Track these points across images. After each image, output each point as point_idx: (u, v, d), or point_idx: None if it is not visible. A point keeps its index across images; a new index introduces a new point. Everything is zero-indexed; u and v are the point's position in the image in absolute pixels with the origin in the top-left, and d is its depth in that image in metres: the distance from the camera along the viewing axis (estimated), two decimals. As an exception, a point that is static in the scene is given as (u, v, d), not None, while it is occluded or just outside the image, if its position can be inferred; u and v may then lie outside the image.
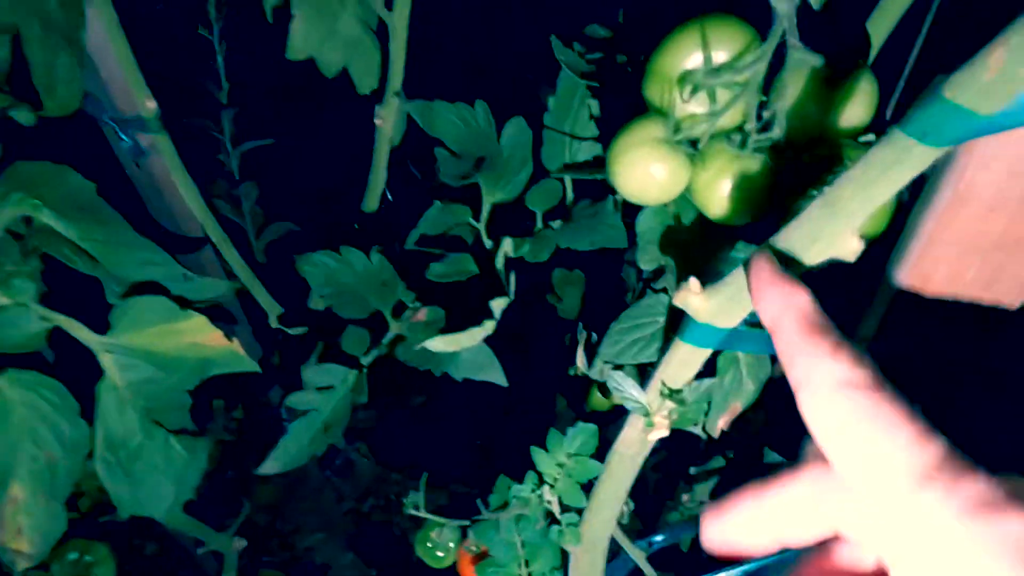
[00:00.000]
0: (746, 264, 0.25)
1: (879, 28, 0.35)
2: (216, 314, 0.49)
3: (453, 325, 0.46)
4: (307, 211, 0.75)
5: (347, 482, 0.89)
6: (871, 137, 0.32)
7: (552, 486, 0.41)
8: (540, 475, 0.42)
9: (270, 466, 0.50)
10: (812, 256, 0.26)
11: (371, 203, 0.63)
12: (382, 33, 0.60)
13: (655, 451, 0.38)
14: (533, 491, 0.42)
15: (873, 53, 0.38)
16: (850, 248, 0.26)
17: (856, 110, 0.33)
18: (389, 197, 0.63)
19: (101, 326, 0.45)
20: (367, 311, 0.53)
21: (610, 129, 0.41)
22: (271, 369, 0.78)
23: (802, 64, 0.32)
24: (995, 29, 0.19)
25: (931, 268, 0.27)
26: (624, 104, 0.42)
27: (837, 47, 0.34)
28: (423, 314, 0.49)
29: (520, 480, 0.43)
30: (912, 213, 0.28)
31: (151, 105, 0.58)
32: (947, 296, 0.28)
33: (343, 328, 0.54)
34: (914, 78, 0.36)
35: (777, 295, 0.22)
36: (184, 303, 0.47)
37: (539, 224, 0.48)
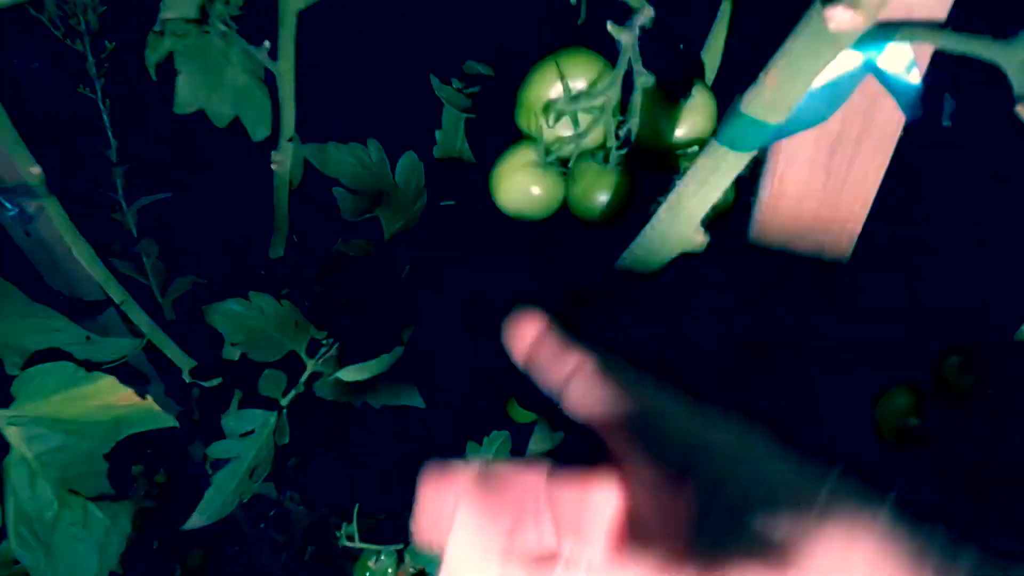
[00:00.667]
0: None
1: (713, 50, 0.40)
2: (126, 373, 0.49)
3: (367, 356, 0.47)
4: (213, 261, 0.75)
5: (283, 533, 0.87)
6: (697, 148, 0.37)
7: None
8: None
9: (196, 520, 0.50)
10: (667, 252, 0.30)
11: (277, 247, 0.64)
12: (271, 81, 0.62)
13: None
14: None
15: (712, 72, 0.43)
16: (696, 242, 0.30)
17: (698, 122, 0.37)
18: (295, 238, 0.64)
19: (3, 399, 0.44)
20: (282, 353, 0.54)
21: (491, 155, 0.44)
22: (190, 424, 0.76)
23: (647, 85, 0.37)
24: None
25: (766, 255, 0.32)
26: (502, 132, 0.45)
27: (678, 69, 0.39)
28: (337, 349, 0.50)
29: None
30: (752, 205, 0.32)
31: (35, 171, 0.57)
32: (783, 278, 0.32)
33: (260, 373, 0.55)
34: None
35: (530, 324, 0.24)
36: (90, 366, 0.47)
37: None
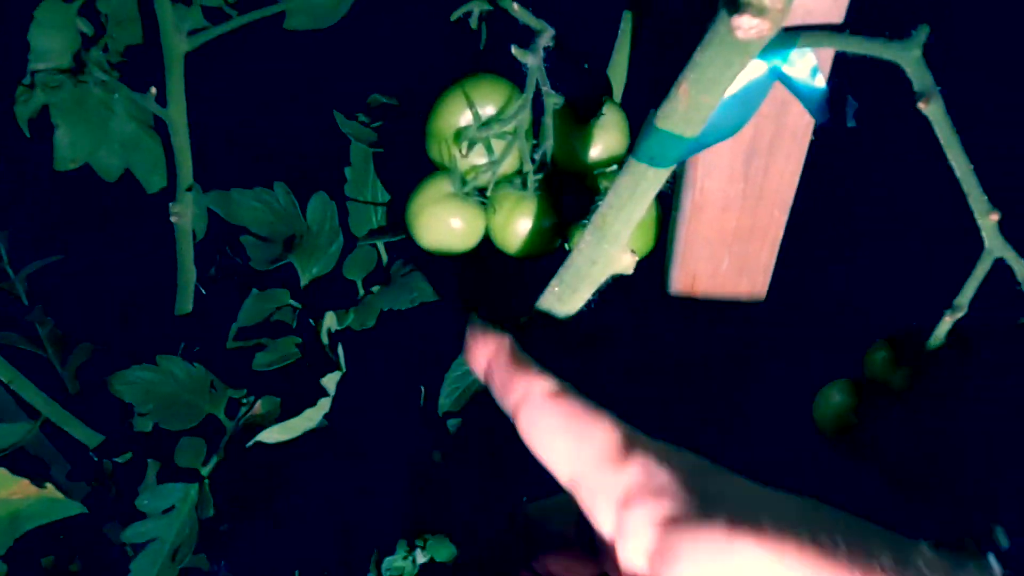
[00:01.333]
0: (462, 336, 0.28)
1: (618, 66, 0.40)
2: (22, 460, 0.44)
3: (292, 410, 0.44)
4: (116, 325, 0.69)
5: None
6: (615, 168, 0.36)
7: (422, 548, 0.41)
8: (409, 539, 0.42)
9: (116, 613, 0.45)
10: (596, 276, 0.29)
11: (183, 304, 0.60)
12: (164, 128, 0.58)
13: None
14: (405, 557, 0.41)
15: (620, 88, 0.43)
16: (624, 263, 0.29)
17: (611, 140, 0.37)
18: (203, 291, 0.60)
19: None
20: (199, 418, 0.50)
21: (406, 189, 0.43)
22: (106, 504, 0.70)
23: (557, 107, 0.36)
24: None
25: (694, 266, 0.31)
26: (414, 165, 0.44)
27: (586, 87, 0.38)
28: (258, 407, 0.47)
29: (392, 550, 0.42)
30: (671, 222, 0.32)
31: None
32: (712, 289, 0.32)
33: (176, 442, 0.51)
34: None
35: (485, 344, 0.25)
36: (-23, 459, 0.42)
37: (360, 292, 0.48)
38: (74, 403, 0.63)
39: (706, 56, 0.21)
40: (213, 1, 0.56)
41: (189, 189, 0.57)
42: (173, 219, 0.59)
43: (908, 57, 0.23)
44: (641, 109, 0.43)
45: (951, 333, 0.27)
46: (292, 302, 0.49)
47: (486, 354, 0.24)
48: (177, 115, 0.55)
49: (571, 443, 0.21)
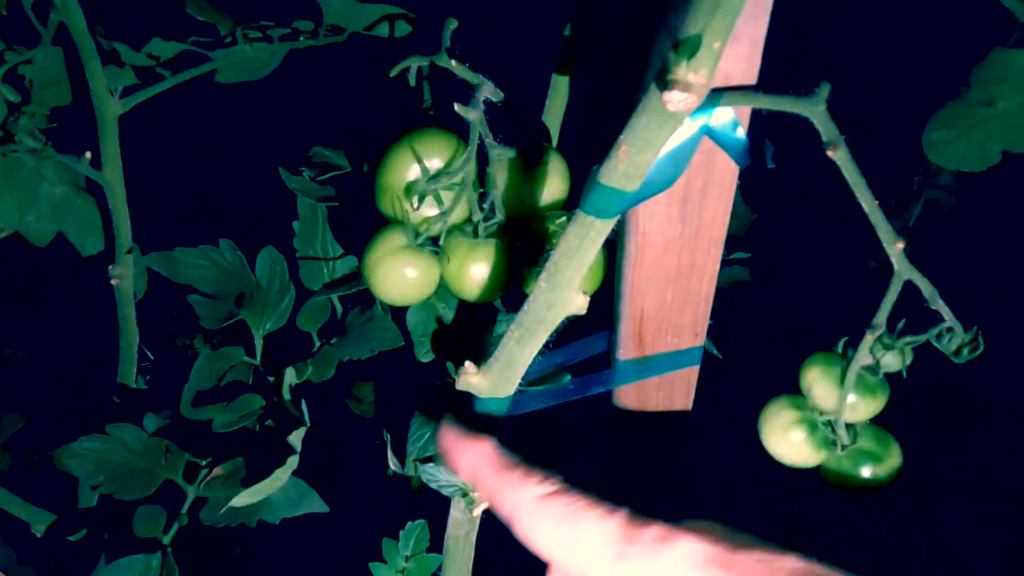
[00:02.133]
0: (438, 432, 0.29)
1: (554, 116, 0.42)
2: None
3: (255, 469, 0.44)
4: (59, 394, 0.66)
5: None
6: (565, 216, 0.38)
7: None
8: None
9: None
10: (552, 319, 0.31)
11: (127, 369, 0.58)
12: (99, 190, 0.57)
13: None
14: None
15: (556, 134, 0.45)
16: (578, 304, 0.31)
17: (554, 186, 0.39)
18: (150, 356, 0.59)
19: None
20: (155, 485, 0.49)
21: (359, 240, 0.43)
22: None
23: (501, 157, 0.38)
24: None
25: (641, 301, 0.34)
26: (364, 215, 0.45)
27: (526, 136, 0.41)
28: (220, 469, 0.46)
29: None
30: (617, 263, 0.34)
31: None
32: (659, 320, 0.34)
33: (132, 511, 0.50)
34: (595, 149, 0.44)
35: (467, 453, 0.26)
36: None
37: (316, 344, 0.48)
38: (10, 482, 0.60)
39: (640, 122, 0.23)
40: (145, 61, 0.56)
41: (129, 251, 0.57)
42: (113, 282, 0.58)
43: (815, 111, 0.26)
44: (578, 152, 0.46)
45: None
46: (247, 359, 0.49)
47: (470, 463, 0.25)
48: (113, 176, 0.55)
49: (567, 543, 0.22)
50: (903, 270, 0.28)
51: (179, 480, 0.48)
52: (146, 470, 0.49)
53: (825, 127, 0.26)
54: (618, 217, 0.27)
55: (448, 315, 0.42)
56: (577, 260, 0.29)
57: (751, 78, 0.26)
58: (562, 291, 0.30)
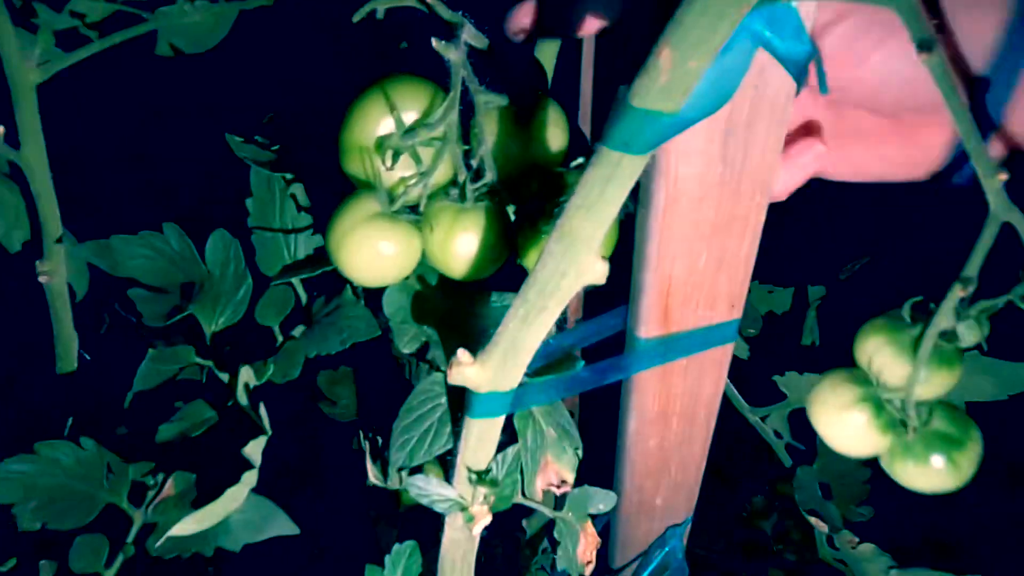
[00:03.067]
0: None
1: (546, 56, 0.36)
2: None
3: (209, 486, 0.38)
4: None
5: None
6: (581, 160, 0.32)
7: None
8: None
9: None
10: (565, 290, 0.25)
11: (64, 368, 0.51)
12: (20, 174, 0.50)
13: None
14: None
15: (548, 80, 0.39)
16: (598, 272, 0.25)
17: (552, 137, 0.33)
18: (87, 357, 0.51)
19: None
20: (96, 509, 0.42)
21: (325, 215, 0.37)
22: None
23: (490, 106, 0.32)
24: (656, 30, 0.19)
25: (670, 266, 0.28)
26: (330, 185, 0.38)
27: (517, 83, 0.34)
28: (170, 487, 0.40)
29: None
30: (638, 221, 0.28)
31: None
32: (689, 289, 0.28)
33: (70, 541, 0.43)
34: (596, 95, 0.38)
35: None
36: None
37: (279, 339, 0.42)
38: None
39: (692, 9, 0.17)
40: (66, 23, 0.49)
41: (59, 241, 0.49)
42: (42, 279, 0.50)
43: (902, 4, 0.20)
44: (574, 99, 0.40)
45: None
46: (198, 359, 0.42)
47: None
48: (34, 156, 0.47)
49: None
50: (1000, 210, 0.23)
51: (123, 503, 0.41)
52: (84, 493, 0.42)
53: (914, 23, 0.20)
54: (651, 153, 0.22)
55: (433, 296, 0.35)
56: (598, 212, 0.23)
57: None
58: (578, 254, 0.24)
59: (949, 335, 0.26)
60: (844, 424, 0.28)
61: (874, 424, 0.28)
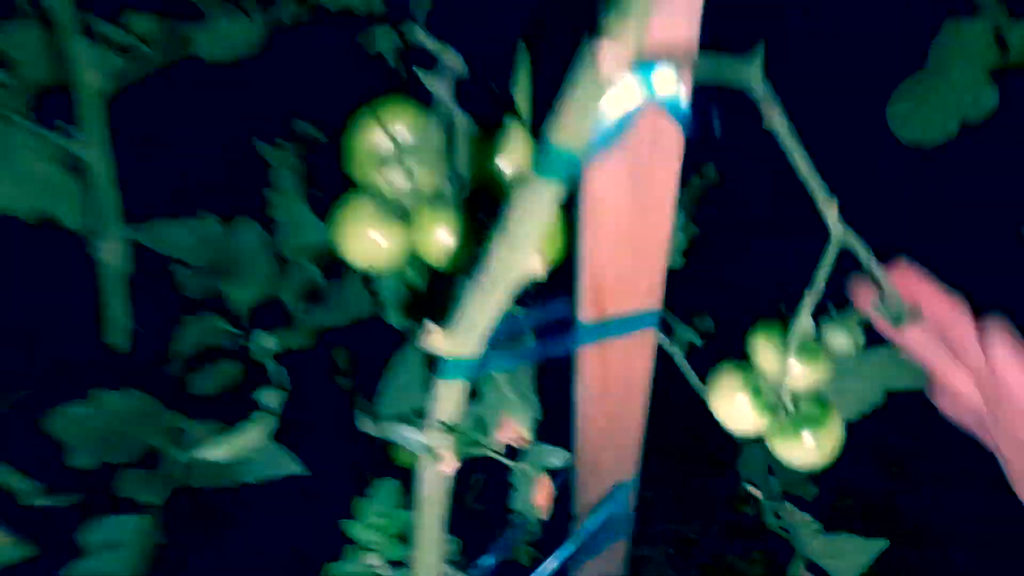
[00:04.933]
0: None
1: (522, 87, 0.43)
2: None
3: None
4: (39, 367, 0.68)
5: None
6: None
7: (373, 551, 0.43)
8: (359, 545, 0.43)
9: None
10: (511, 280, 0.33)
11: (115, 339, 0.59)
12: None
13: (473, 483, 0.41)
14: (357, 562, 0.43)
15: (527, 108, 0.46)
16: (535, 267, 0.32)
17: (518, 155, 0.40)
18: (141, 330, 0.60)
19: None
20: (141, 450, 0.50)
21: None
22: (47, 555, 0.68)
23: (466, 127, 0.39)
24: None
25: (600, 264, 0.35)
26: (340, 183, 0.46)
27: (494, 107, 0.42)
28: (203, 432, 0.48)
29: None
30: (576, 230, 0.35)
31: None
32: (617, 285, 0.36)
33: (114, 476, 0.51)
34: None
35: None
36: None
37: (296, 312, 0.50)
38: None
39: (578, 78, 0.24)
40: (126, 39, 0.57)
41: (116, 223, 0.58)
42: (104, 256, 0.58)
43: (750, 72, 0.27)
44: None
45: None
46: (229, 327, 0.50)
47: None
48: (99, 155, 0.56)
49: None
50: (838, 234, 0.30)
51: (164, 444, 0.50)
52: (131, 435, 0.50)
53: (759, 88, 0.27)
54: (570, 179, 0.29)
55: (419, 282, 0.43)
56: (531, 221, 0.30)
57: (691, 47, 0.27)
58: (518, 253, 0.31)
59: (815, 335, 0.33)
60: (731, 404, 0.35)
61: (754, 405, 0.35)
